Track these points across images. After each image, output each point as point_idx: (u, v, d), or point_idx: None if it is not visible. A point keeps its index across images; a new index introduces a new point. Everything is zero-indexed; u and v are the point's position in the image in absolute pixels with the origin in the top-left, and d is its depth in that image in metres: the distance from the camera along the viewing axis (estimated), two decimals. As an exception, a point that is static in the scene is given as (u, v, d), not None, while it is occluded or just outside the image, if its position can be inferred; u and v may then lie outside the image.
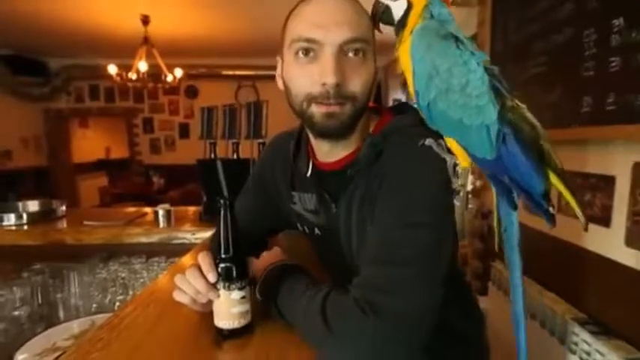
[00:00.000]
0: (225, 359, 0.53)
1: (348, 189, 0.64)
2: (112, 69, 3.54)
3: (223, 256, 0.57)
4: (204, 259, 0.57)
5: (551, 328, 1.18)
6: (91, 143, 6.70)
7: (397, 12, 0.59)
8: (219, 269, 0.56)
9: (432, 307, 0.51)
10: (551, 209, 0.54)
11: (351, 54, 0.59)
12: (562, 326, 1.13)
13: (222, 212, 0.56)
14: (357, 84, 0.60)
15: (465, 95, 0.53)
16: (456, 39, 0.55)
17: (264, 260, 0.67)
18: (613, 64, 0.99)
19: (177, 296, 0.60)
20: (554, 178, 0.54)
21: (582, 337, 1.05)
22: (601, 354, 0.98)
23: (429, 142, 0.57)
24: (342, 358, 0.49)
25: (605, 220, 1.07)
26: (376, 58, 0.64)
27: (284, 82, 0.65)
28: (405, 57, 0.58)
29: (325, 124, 0.60)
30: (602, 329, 1.04)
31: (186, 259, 0.96)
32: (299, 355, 0.51)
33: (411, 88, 0.59)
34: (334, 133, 0.62)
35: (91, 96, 5.41)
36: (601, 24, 1.03)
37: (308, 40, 0.58)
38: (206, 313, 0.59)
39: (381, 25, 0.63)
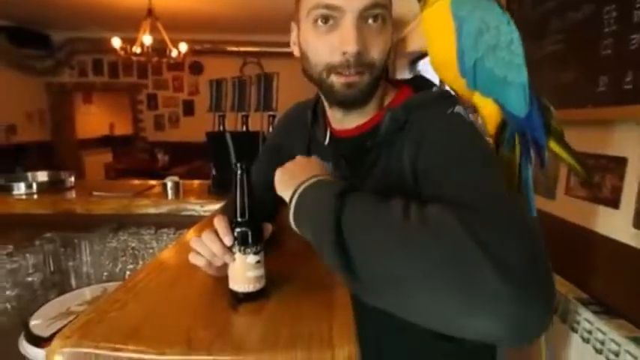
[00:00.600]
0: (241, 321, 0.54)
1: (367, 159, 0.64)
2: (116, 42, 3.49)
3: (239, 219, 0.57)
4: (220, 223, 0.57)
5: (554, 308, 1.20)
6: (95, 119, 6.68)
7: None
8: (235, 233, 0.57)
9: None
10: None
11: (370, 20, 0.58)
12: (565, 306, 1.15)
13: (238, 177, 0.56)
14: (376, 52, 0.59)
15: (510, 52, 0.56)
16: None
17: (299, 166, 0.58)
18: (633, 41, 0.97)
19: (193, 258, 0.60)
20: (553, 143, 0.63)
21: (585, 317, 1.07)
22: (602, 332, 1.00)
23: (458, 109, 0.58)
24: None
25: (614, 202, 1.07)
26: (393, 25, 0.63)
27: (300, 50, 0.64)
28: (435, 20, 0.58)
29: (345, 93, 0.60)
30: (604, 309, 1.06)
31: (195, 231, 0.97)
32: (313, 319, 0.52)
33: (448, 58, 0.58)
34: (353, 102, 0.62)
35: (94, 70, 5.36)
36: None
37: (327, 7, 0.56)
38: (221, 278, 0.60)
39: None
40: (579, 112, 1.15)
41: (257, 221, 0.58)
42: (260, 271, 0.57)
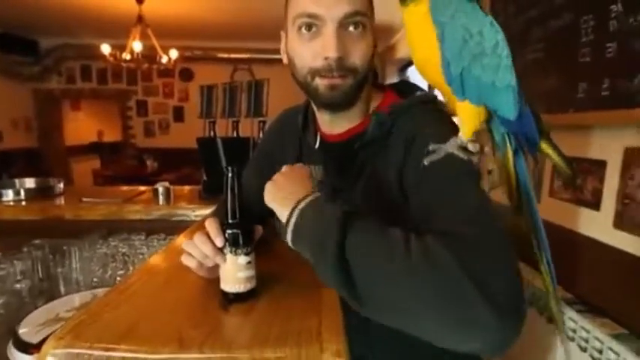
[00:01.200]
0: (231, 321, 0.55)
1: (355, 163, 0.67)
2: (106, 49, 3.48)
3: (230, 221, 0.58)
4: (211, 225, 0.59)
5: (540, 308, 1.22)
6: (83, 126, 6.62)
7: None
8: (226, 235, 0.58)
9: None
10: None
11: (351, 28, 0.61)
12: (550, 305, 1.18)
13: (228, 180, 0.58)
14: (357, 57, 0.62)
15: (497, 56, 0.54)
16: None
17: (289, 180, 0.58)
18: (609, 49, 1.01)
19: (185, 260, 0.61)
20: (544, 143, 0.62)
21: (569, 316, 1.10)
22: (586, 331, 1.03)
23: (451, 146, 0.56)
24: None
25: (595, 204, 1.11)
26: (375, 30, 0.66)
27: (288, 56, 0.68)
28: (415, 22, 0.56)
29: (329, 95, 0.63)
30: (588, 308, 1.09)
31: (186, 236, 0.98)
32: (302, 317, 0.53)
33: (432, 62, 0.56)
34: (338, 104, 0.65)
35: (82, 77, 5.32)
36: (599, 9, 1.04)
37: (310, 16, 0.60)
38: (212, 280, 0.61)
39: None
40: (561, 117, 1.19)
41: (247, 223, 0.59)
42: (251, 272, 0.58)
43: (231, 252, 0.57)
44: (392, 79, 4.26)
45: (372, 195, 0.65)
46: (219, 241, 0.57)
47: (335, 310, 0.55)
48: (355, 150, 0.66)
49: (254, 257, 0.59)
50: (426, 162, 0.55)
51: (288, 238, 0.53)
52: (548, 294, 0.74)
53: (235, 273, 0.57)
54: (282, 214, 0.54)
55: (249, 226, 0.59)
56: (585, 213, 1.14)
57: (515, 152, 0.62)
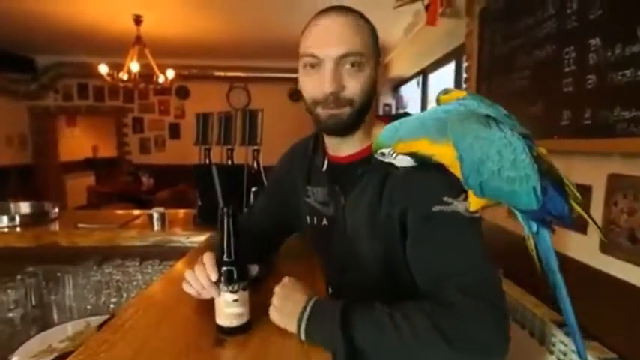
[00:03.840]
0: (226, 356, 0.56)
1: (358, 185, 0.74)
2: (103, 69, 3.51)
3: (225, 259, 0.61)
4: (208, 260, 0.64)
5: (531, 330, 1.24)
6: (78, 142, 6.61)
7: None
8: (221, 271, 0.60)
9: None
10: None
11: (347, 65, 0.69)
12: (541, 328, 1.19)
13: (224, 220, 0.60)
14: (353, 90, 0.70)
15: (515, 169, 0.57)
16: (494, 120, 0.59)
17: (286, 301, 0.65)
18: (589, 81, 1.05)
19: (186, 287, 0.68)
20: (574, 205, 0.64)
21: (560, 338, 1.11)
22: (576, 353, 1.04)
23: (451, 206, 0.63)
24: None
25: (582, 228, 1.13)
26: (377, 65, 0.74)
27: (299, 85, 0.77)
28: (444, 151, 0.60)
29: (328, 122, 0.72)
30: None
31: (182, 264, 0.99)
32: (296, 355, 0.54)
33: (457, 172, 0.62)
34: (336, 130, 0.73)
35: (79, 94, 5.35)
36: (580, 42, 1.09)
37: (312, 56, 0.70)
38: (206, 315, 0.63)
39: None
40: (547, 143, 1.21)
41: (241, 261, 0.61)
42: (242, 309, 0.60)
43: (224, 288, 0.59)
44: (386, 97, 4.33)
45: (375, 218, 0.70)
46: (213, 276, 0.62)
47: (324, 356, 0.57)
48: (359, 175, 0.73)
49: (247, 295, 0.61)
50: (435, 209, 0.62)
51: (302, 337, 0.61)
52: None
53: (227, 308, 0.59)
54: (292, 329, 0.62)
55: (243, 266, 0.61)
56: (573, 237, 1.16)
57: (537, 232, 0.64)
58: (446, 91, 0.67)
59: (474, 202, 0.63)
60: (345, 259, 0.78)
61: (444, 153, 0.60)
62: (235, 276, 0.60)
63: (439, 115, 0.61)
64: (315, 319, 0.60)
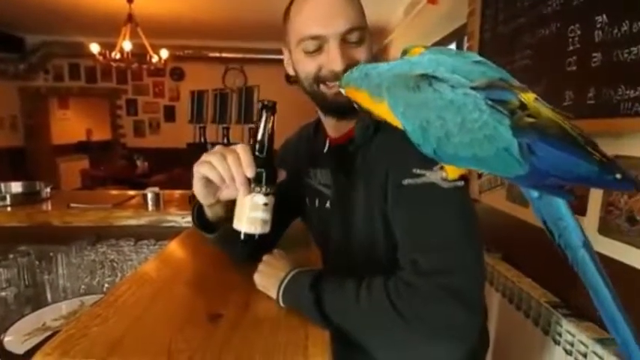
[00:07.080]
0: (220, 333, 0.54)
1: (354, 163, 0.70)
2: (95, 48, 3.42)
3: (258, 154, 0.55)
4: (246, 153, 0.57)
5: (527, 311, 1.24)
6: (71, 124, 6.51)
7: None
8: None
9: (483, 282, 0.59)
10: (618, 176, 0.47)
11: (351, 41, 0.66)
12: (537, 309, 1.20)
13: (264, 114, 0.56)
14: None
15: (467, 132, 0.48)
16: (428, 79, 0.50)
17: (271, 267, 0.67)
18: (595, 59, 1.03)
19: (205, 170, 0.59)
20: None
21: (555, 320, 1.12)
22: (572, 335, 1.05)
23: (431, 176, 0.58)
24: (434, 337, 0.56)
25: (581, 210, 1.13)
26: (371, 37, 0.70)
27: (294, 69, 0.72)
28: (383, 110, 0.55)
29: (336, 100, 0.67)
30: (574, 312, 1.11)
31: (176, 243, 0.97)
32: (289, 330, 0.54)
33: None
34: (344, 108, 0.67)
35: (71, 75, 5.24)
36: (586, 19, 1.06)
37: (314, 37, 0.65)
38: (201, 293, 0.61)
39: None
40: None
41: (273, 164, 0.56)
42: (267, 215, 0.56)
43: (256, 189, 0.54)
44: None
45: (371, 197, 0.67)
46: (249, 172, 0.55)
47: (321, 334, 0.55)
48: (352, 152, 0.70)
49: (274, 202, 0.56)
50: (405, 182, 0.58)
51: (281, 303, 0.63)
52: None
53: (253, 212, 0.54)
54: (272, 294, 0.64)
55: (275, 169, 0.57)
56: (572, 219, 1.16)
57: (540, 198, 0.54)
58: (405, 52, 0.60)
59: (451, 170, 0.56)
60: (342, 240, 0.77)
61: (384, 112, 0.53)
62: (270, 177, 0.55)
63: (392, 70, 0.54)
64: (292, 285, 0.62)
